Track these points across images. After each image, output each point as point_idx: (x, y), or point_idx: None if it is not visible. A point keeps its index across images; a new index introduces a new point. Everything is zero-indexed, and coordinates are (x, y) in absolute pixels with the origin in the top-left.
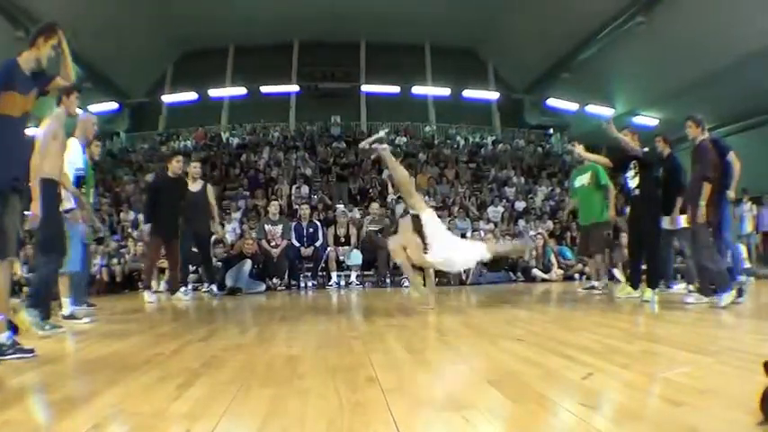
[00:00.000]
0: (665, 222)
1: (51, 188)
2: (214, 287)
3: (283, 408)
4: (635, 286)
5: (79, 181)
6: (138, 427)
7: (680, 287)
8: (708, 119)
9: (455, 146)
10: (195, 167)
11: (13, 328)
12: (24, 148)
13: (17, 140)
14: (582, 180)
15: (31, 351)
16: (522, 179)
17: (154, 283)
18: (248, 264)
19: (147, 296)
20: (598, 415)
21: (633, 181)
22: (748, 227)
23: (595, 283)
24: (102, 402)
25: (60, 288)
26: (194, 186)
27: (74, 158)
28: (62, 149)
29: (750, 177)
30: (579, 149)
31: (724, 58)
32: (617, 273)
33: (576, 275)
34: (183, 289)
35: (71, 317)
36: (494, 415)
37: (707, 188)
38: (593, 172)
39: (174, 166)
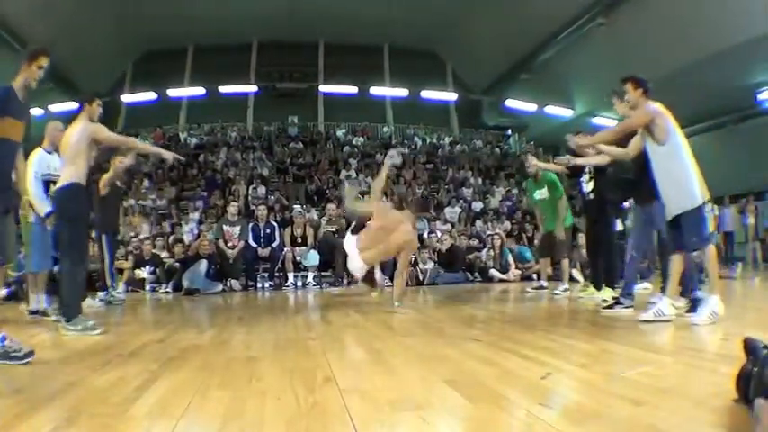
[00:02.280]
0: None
1: (81, 193)
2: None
3: (242, 409)
4: (597, 287)
5: (48, 185)
6: (98, 428)
7: (640, 287)
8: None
9: (413, 146)
10: (122, 162)
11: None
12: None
13: (10, 163)
14: (541, 194)
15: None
16: (480, 180)
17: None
18: (204, 264)
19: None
20: (557, 414)
21: (588, 185)
22: (710, 227)
23: (543, 283)
24: (61, 404)
25: (30, 285)
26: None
27: (38, 168)
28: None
29: (711, 178)
30: (533, 161)
31: (684, 59)
32: (576, 273)
33: (534, 276)
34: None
35: (43, 313)
36: (451, 415)
37: None
38: (549, 185)
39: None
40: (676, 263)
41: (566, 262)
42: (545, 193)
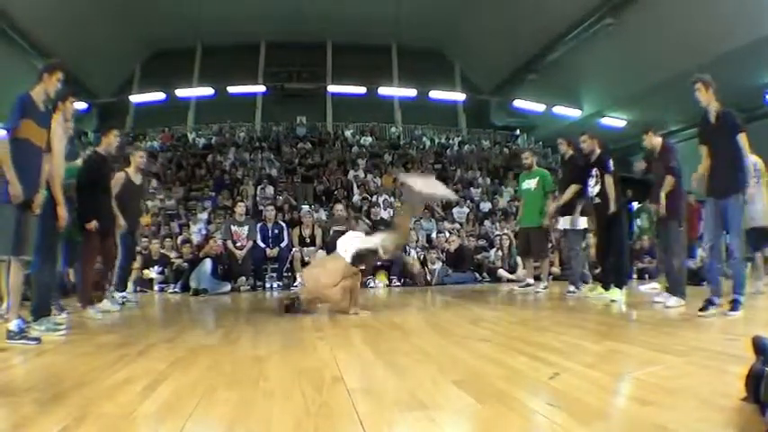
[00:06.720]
0: (566, 222)
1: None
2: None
3: (250, 409)
4: (606, 287)
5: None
6: (105, 428)
7: (648, 287)
8: (675, 120)
9: (421, 147)
10: (142, 157)
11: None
12: (38, 171)
13: (36, 163)
14: (529, 184)
15: (37, 339)
16: (488, 180)
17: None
18: (208, 263)
19: (91, 313)
20: (565, 414)
21: (594, 188)
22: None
23: (530, 281)
24: (70, 403)
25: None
26: (137, 179)
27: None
28: (62, 155)
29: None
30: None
31: (692, 60)
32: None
33: (542, 275)
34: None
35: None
36: (459, 415)
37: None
38: (540, 178)
39: (113, 141)
40: None
41: (546, 262)
42: (534, 184)
